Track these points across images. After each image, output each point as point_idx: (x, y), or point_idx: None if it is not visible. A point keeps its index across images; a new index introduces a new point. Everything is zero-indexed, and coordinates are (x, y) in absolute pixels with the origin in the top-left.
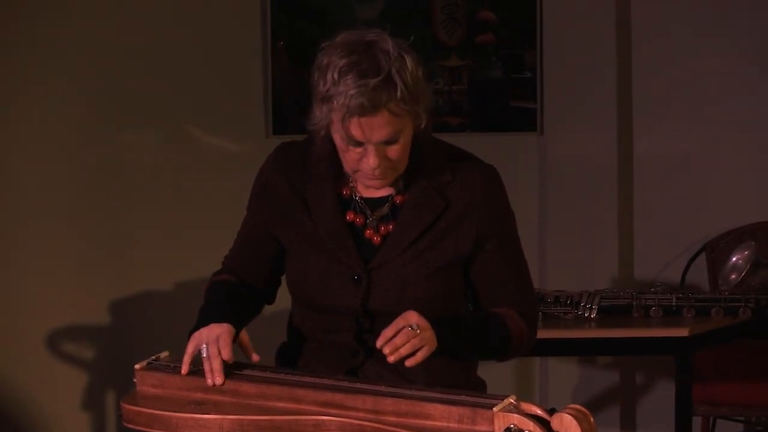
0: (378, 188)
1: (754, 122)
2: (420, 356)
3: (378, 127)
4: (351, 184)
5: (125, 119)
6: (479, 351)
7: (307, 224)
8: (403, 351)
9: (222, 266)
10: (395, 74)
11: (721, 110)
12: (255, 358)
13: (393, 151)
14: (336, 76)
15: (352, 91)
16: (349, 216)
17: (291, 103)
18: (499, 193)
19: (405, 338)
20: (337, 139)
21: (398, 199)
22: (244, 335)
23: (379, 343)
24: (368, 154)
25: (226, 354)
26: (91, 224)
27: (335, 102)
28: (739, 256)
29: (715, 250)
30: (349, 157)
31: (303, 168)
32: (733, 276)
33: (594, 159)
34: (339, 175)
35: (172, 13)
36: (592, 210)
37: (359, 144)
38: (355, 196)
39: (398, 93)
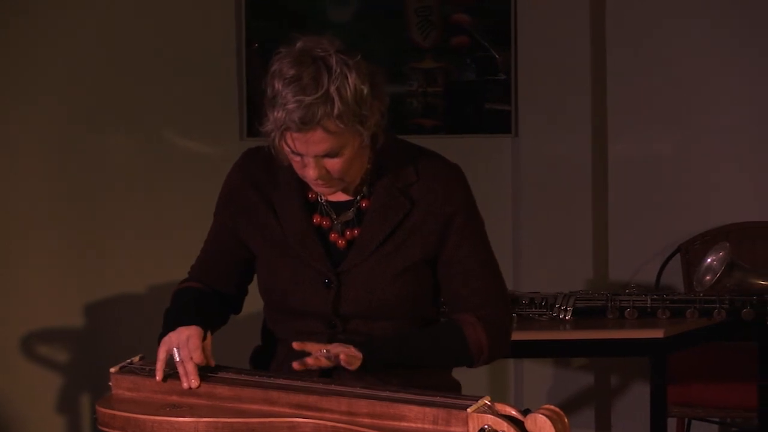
0: (328, 195)
1: (728, 124)
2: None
3: (313, 142)
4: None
5: (101, 122)
6: (427, 365)
7: (275, 229)
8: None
9: (188, 274)
10: (334, 92)
11: (695, 112)
12: (211, 364)
13: (333, 164)
14: (280, 86)
15: (289, 105)
16: (316, 219)
17: (264, 105)
18: (463, 191)
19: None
20: (284, 145)
21: (363, 203)
22: (208, 339)
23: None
24: (308, 166)
25: (197, 357)
26: (66, 227)
27: (276, 112)
28: (713, 258)
29: (690, 252)
30: (294, 164)
31: (269, 173)
32: (708, 277)
33: (568, 161)
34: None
35: (148, 17)
36: (567, 212)
37: (298, 155)
38: (321, 200)
39: (335, 111)
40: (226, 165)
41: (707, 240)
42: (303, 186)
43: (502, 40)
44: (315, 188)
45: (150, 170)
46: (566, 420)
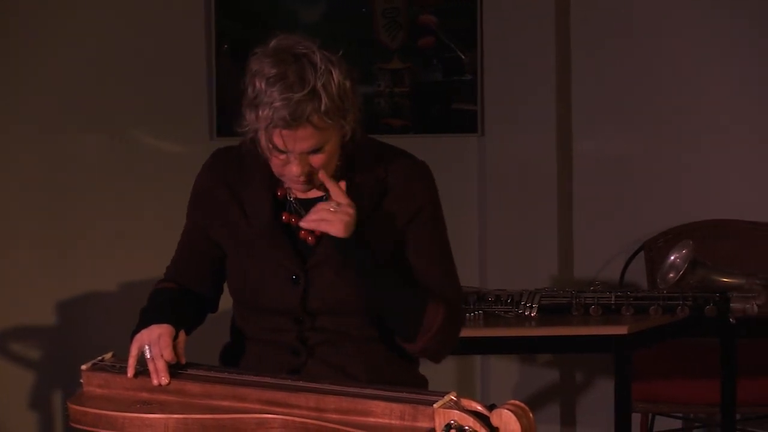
0: (303, 192)
1: (691, 124)
2: (320, 224)
3: (301, 139)
4: (286, 186)
5: (72, 122)
6: (381, 302)
7: (245, 227)
8: (313, 216)
9: (165, 275)
10: (320, 89)
11: (659, 112)
12: (182, 361)
13: (317, 159)
14: (263, 85)
15: (276, 104)
16: (285, 217)
17: (235, 105)
18: (429, 186)
19: (317, 209)
20: (264, 142)
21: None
22: (181, 337)
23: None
24: (291, 163)
25: (168, 354)
26: (38, 226)
27: (260, 111)
28: (677, 255)
29: (654, 250)
30: (274, 163)
31: (239, 172)
32: (672, 275)
33: (534, 160)
34: (273, 177)
35: (118, 17)
36: (532, 210)
37: (283, 152)
38: (290, 197)
39: (322, 107)
40: (197, 164)
41: (670, 238)
42: (272, 184)
43: (468, 41)
44: (293, 186)
45: (121, 169)
46: (531, 415)
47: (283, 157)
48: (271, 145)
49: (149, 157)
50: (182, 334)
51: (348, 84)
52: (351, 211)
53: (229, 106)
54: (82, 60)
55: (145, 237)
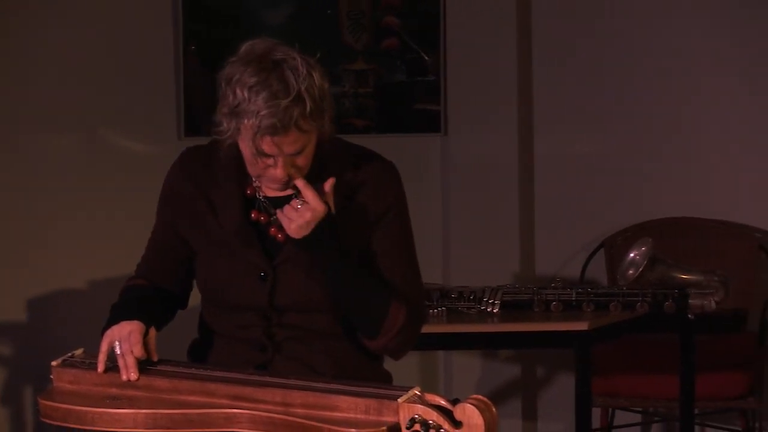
0: (281, 191)
1: (649, 125)
2: (282, 220)
3: (288, 143)
4: (255, 185)
5: (40, 122)
6: (345, 298)
7: (214, 225)
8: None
9: (135, 272)
10: (304, 92)
11: (618, 113)
12: (154, 358)
13: (300, 160)
14: (246, 94)
15: (263, 112)
16: (254, 215)
17: (202, 105)
18: (397, 187)
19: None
20: (245, 149)
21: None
22: (152, 333)
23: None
24: (277, 167)
25: (138, 351)
26: (8, 224)
27: (246, 120)
28: (636, 253)
29: (614, 247)
30: (257, 166)
31: (208, 171)
32: (631, 271)
33: (496, 159)
34: (243, 176)
35: (88, 19)
36: (495, 208)
37: (269, 156)
38: (259, 196)
39: (307, 110)
40: (165, 163)
41: (630, 236)
42: (241, 183)
43: (431, 43)
44: (270, 186)
45: (90, 169)
46: (494, 409)
47: (270, 161)
48: (257, 151)
49: (118, 157)
50: (152, 331)
51: (326, 86)
52: (308, 215)
53: (196, 107)
54: (52, 61)
55: (114, 235)
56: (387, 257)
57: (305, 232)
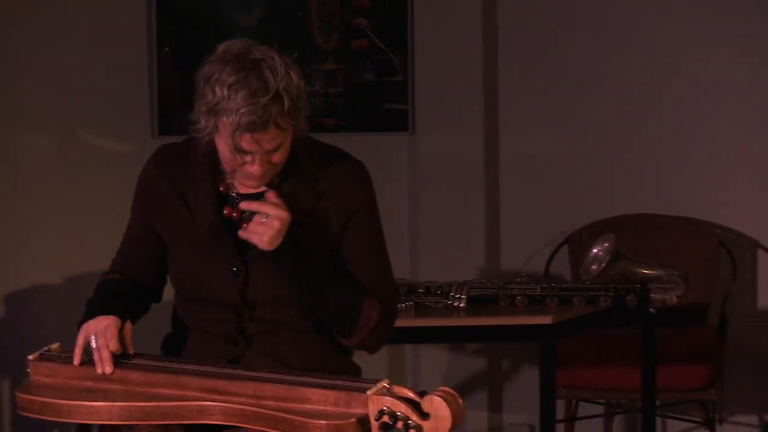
0: (255, 188)
1: (613, 123)
2: (251, 236)
3: (266, 141)
4: (228, 181)
5: (17, 121)
6: (317, 303)
7: (187, 221)
8: (248, 227)
9: (110, 267)
10: (283, 91)
11: (581, 113)
12: (130, 351)
13: (276, 157)
14: (225, 92)
15: (243, 110)
16: (226, 211)
17: (175, 105)
18: (367, 187)
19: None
20: (223, 146)
21: None
22: (128, 328)
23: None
24: (255, 163)
25: (113, 345)
26: None
27: (225, 117)
28: (599, 248)
29: (577, 243)
30: (235, 162)
31: (182, 167)
32: (594, 267)
33: (462, 157)
34: (216, 173)
35: (64, 22)
36: (461, 205)
37: (247, 153)
38: (232, 192)
39: (285, 109)
40: (139, 161)
41: (593, 232)
42: (214, 179)
43: (400, 43)
44: (246, 182)
45: (66, 167)
46: (460, 401)
47: (247, 158)
48: (235, 148)
49: (93, 155)
50: (128, 325)
51: (302, 85)
52: (276, 224)
53: (169, 107)
54: (29, 62)
55: (90, 232)
56: (358, 257)
57: (278, 241)
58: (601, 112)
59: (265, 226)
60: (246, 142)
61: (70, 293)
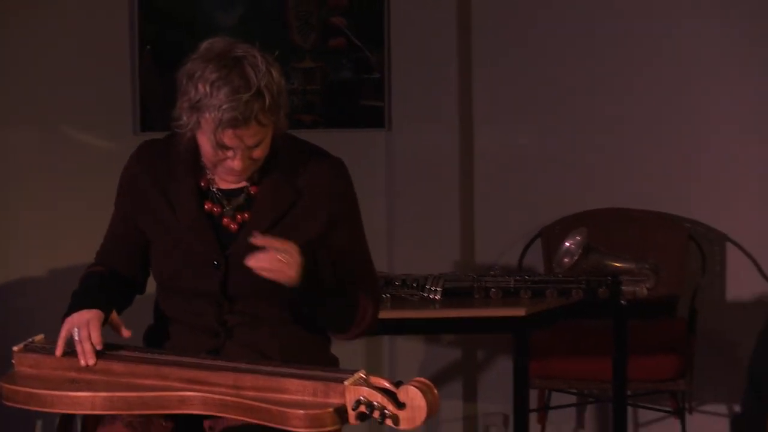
0: (236, 183)
1: (585, 119)
2: (274, 274)
3: (248, 136)
4: (209, 177)
5: (1, 117)
6: (331, 307)
7: (169, 216)
8: (265, 264)
9: (95, 259)
10: (264, 88)
11: (553, 108)
12: (125, 333)
13: (257, 153)
14: (208, 89)
15: (225, 106)
16: (207, 206)
17: (157, 103)
18: (347, 184)
19: (269, 259)
20: (205, 142)
21: (253, 190)
22: (113, 316)
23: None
24: (236, 159)
25: (96, 338)
26: None
27: (207, 114)
28: (571, 242)
29: (550, 236)
30: (214, 158)
31: (164, 163)
32: (567, 260)
33: (437, 152)
34: (198, 169)
35: (49, 19)
36: (436, 199)
37: (229, 149)
38: (212, 188)
39: (266, 105)
40: (121, 157)
41: (565, 225)
42: (196, 175)
43: (376, 42)
44: (227, 177)
45: (49, 162)
46: (436, 391)
47: (229, 153)
48: (217, 144)
49: (77, 151)
50: (114, 313)
51: (283, 82)
52: (297, 255)
53: (151, 105)
54: (14, 60)
55: (74, 225)
56: (345, 254)
57: (301, 270)
58: (573, 108)
59: (288, 261)
60: (228, 137)
61: (54, 286)
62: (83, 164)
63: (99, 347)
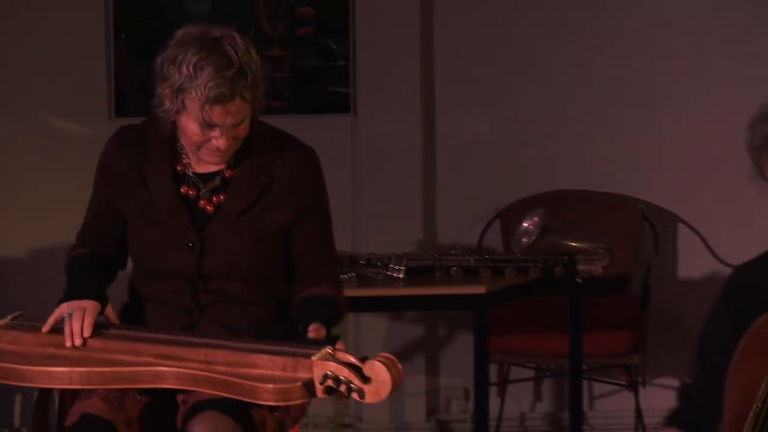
0: (218, 164)
1: (542, 104)
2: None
3: (233, 113)
4: (185, 161)
5: None
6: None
7: (145, 198)
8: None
9: (76, 241)
10: (245, 65)
11: (514, 94)
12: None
13: (240, 131)
14: (191, 70)
15: (211, 84)
16: (183, 189)
17: (131, 89)
18: (319, 174)
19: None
20: (190, 124)
21: (228, 173)
22: (108, 309)
23: None
24: (221, 137)
25: (88, 325)
26: None
27: (193, 93)
28: (529, 223)
29: (508, 217)
30: (201, 138)
31: (142, 147)
32: (525, 240)
33: (401, 137)
34: (174, 153)
35: (27, 9)
36: (400, 182)
37: (215, 127)
38: (189, 171)
39: (249, 81)
40: (97, 142)
41: (523, 207)
42: (172, 159)
43: (342, 31)
44: (211, 158)
45: (29, 147)
46: (400, 366)
47: (215, 132)
48: (204, 123)
49: (55, 136)
50: (109, 308)
51: (259, 61)
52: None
53: (125, 91)
54: None
55: (51, 208)
56: (314, 243)
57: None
58: (531, 95)
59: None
60: (216, 114)
61: (33, 266)
62: (61, 149)
63: (87, 335)
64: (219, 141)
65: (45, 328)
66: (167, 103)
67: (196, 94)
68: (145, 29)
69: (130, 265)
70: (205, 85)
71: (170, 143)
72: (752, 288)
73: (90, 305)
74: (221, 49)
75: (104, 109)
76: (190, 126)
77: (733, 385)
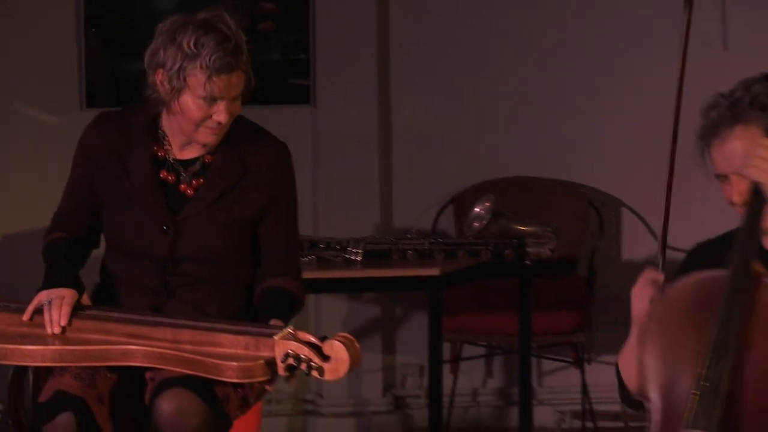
0: (214, 143)
1: (493, 94)
2: None
3: (235, 84)
4: (166, 147)
5: None
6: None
7: (124, 181)
8: None
9: (52, 223)
10: (240, 42)
11: (466, 85)
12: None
13: (234, 108)
14: (192, 47)
15: (215, 55)
16: (163, 174)
17: (101, 80)
18: (290, 168)
19: None
20: (193, 100)
21: (208, 159)
22: (84, 297)
23: None
24: (222, 110)
25: (66, 314)
26: None
27: (198, 66)
28: (481, 208)
29: (461, 203)
30: (203, 114)
31: (122, 132)
32: (476, 224)
33: (359, 127)
34: (155, 138)
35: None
36: (358, 169)
37: (216, 101)
38: (168, 157)
39: (243, 57)
40: (69, 131)
41: (475, 192)
42: (153, 145)
43: (302, 25)
44: (207, 138)
45: (2, 136)
46: (357, 345)
47: (219, 106)
48: (209, 96)
49: (28, 126)
50: (85, 295)
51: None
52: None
53: (96, 82)
54: None
55: (24, 195)
56: (280, 236)
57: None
58: (484, 87)
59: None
60: (221, 85)
61: (6, 250)
62: (33, 138)
63: (64, 323)
64: (221, 115)
65: (25, 317)
66: (166, 86)
67: (201, 67)
68: (115, 24)
69: (102, 244)
70: (210, 57)
71: (152, 129)
72: (700, 266)
73: (68, 294)
74: (215, 27)
75: (75, 99)
76: (192, 104)
77: (651, 376)
